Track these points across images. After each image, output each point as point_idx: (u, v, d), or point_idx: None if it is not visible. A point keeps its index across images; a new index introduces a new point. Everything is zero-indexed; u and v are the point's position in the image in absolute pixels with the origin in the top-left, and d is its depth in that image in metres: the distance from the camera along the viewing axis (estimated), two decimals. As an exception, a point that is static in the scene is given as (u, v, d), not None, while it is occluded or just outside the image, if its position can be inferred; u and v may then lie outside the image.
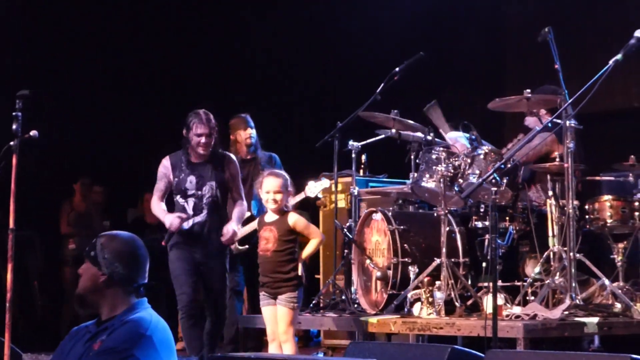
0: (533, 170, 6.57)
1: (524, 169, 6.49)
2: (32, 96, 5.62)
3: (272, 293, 5.82)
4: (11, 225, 5.52)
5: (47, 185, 10.04)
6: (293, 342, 5.81)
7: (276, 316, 5.82)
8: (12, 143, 5.56)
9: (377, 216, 6.67)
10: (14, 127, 5.56)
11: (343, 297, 6.82)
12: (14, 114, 5.57)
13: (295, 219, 5.86)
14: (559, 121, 5.86)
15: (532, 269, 6.25)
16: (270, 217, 5.93)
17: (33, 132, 5.65)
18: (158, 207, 6.42)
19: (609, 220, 6.23)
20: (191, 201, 6.37)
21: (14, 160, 5.55)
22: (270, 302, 5.84)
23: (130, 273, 3.54)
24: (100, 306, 3.55)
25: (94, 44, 10.62)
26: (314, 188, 7.08)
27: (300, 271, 5.81)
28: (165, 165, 6.45)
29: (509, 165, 5.97)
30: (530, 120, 6.86)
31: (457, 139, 6.77)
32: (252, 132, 7.57)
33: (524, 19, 10.94)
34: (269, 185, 5.86)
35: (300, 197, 7.18)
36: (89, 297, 3.56)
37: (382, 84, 6.90)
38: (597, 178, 6.79)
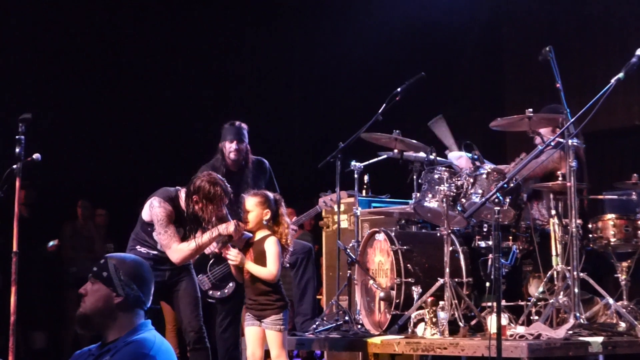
0: (535, 189, 6.56)
1: (526, 188, 6.47)
2: (34, 119, 5.63)
3: (257, 315, 5.70)
4: (14, 248, 5.51)
5: (50, 208, 10.04)
6: None
7: (259, 338, 5.70)
8: (14, 166, 5.56)
9: (380, 236, 6.65)
10: (16, 150, 5.56)
11: (346, 318, 6.79)
12: (16, 137, 5.58)
13: (267, 245, 5.63)
14: (562, 140, 5.86)
15: (536, 289, 6.23)
16: (255, 237, 5.78)
17: (36, 155, 5.65)
18: (196, 240, 5.81)
19: (612, 239, 6.22)
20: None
21: (17, 183, 5.55)
22: (255, 323, 5.70)
23: (142, 295, 3.55)
24: (108, 328, 3.52)
25: (95, 68, 10.66)
26: (329, 202, 7.10)
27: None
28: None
29: (511, 185, 5.96)
30: (540, 141, 6.85)
31: (461, 156, 6.79)
32: (238, 146, 6.91)
33: (523, 38, 10.98)
34: (244, 205, 5.74)
35: (315, 211, 7.30)
36: (97, 319, 3.52)
37: (384, 105, 6.87)
38: (600, 197, 6.78)
